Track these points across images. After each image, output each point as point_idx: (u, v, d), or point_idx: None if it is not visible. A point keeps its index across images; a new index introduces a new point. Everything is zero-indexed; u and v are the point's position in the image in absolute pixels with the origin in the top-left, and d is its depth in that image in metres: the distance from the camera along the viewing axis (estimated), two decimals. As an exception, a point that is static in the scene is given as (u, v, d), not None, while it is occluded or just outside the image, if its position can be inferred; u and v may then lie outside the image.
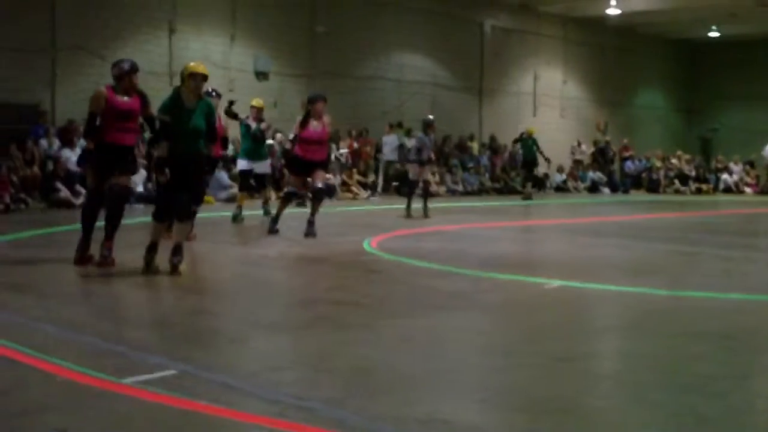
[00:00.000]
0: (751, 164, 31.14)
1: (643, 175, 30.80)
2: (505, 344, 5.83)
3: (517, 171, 27.30)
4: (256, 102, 13.93)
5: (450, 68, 28.01)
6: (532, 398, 4.50)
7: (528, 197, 23.16)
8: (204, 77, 8.26)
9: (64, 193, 16.16)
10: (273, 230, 11.87)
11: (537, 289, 8.10)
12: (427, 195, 15.72)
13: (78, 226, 8.86)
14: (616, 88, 33.85)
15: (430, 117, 16.36)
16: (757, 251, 12.57)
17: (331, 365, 5.08)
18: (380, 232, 12.46)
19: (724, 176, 30.64)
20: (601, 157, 30.48)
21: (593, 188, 29.04)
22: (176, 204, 8.21)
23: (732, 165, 31.08)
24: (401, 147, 23.37)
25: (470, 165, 26.35)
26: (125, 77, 8.46)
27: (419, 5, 26.46)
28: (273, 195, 15.78)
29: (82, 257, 8.58)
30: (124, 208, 8.79)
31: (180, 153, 8.11)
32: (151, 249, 8.26)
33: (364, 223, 14.42)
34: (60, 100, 18.77)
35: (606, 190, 29.14)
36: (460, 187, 25.01)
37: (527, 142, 23.69)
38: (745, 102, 35.16)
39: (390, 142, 23.73)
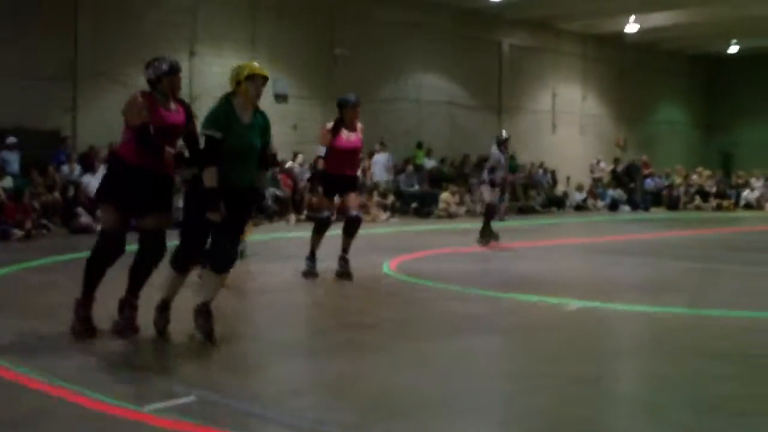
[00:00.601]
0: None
1: (664, 192, 30.53)
2: (524, 366, 5.82)
3: (537, 190, 27.22)
4: None
5: (468, 87, 28.05)
6: (552, 421, 4.51)
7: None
8: (265, 80, 6.55)
9: (85, 219, 16.23)
10: (311, 272, 9.88)
11: (557, 310, 8.06)
12: (490, 218, 14.33)
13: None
14: (635, 104, 33.79)
15: (504, 133, 15.05)
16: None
17: (351, 389, 5.10)
18: (399, 254, 12.46)
19: (745, 192, 30.40)
20: (627, 176, 30.21)
21: (613, 206, 28.72)
22: (218, 251, 6.19)
23: (753, 180, 30.84)
24: (419, 168, 23.24)
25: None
26: (163, 80, 6.38)
27: (437, 26, 26.54)
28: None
29: (84, 326, 6.36)
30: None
31: (232, 182, 6.14)
32: (163, 308, 6.35)
33: (384, 245, 14.35)
34: (81, 126, 18.97)
35: (626, 207, 28.81)
36: (479, 207, 24.66)
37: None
38: (766, 116, 35.00)
39: (380, 161, 23.22)
